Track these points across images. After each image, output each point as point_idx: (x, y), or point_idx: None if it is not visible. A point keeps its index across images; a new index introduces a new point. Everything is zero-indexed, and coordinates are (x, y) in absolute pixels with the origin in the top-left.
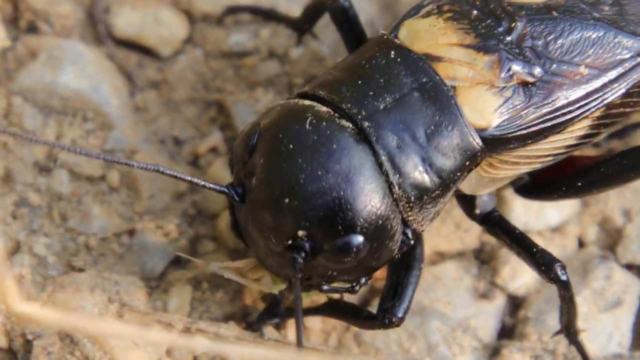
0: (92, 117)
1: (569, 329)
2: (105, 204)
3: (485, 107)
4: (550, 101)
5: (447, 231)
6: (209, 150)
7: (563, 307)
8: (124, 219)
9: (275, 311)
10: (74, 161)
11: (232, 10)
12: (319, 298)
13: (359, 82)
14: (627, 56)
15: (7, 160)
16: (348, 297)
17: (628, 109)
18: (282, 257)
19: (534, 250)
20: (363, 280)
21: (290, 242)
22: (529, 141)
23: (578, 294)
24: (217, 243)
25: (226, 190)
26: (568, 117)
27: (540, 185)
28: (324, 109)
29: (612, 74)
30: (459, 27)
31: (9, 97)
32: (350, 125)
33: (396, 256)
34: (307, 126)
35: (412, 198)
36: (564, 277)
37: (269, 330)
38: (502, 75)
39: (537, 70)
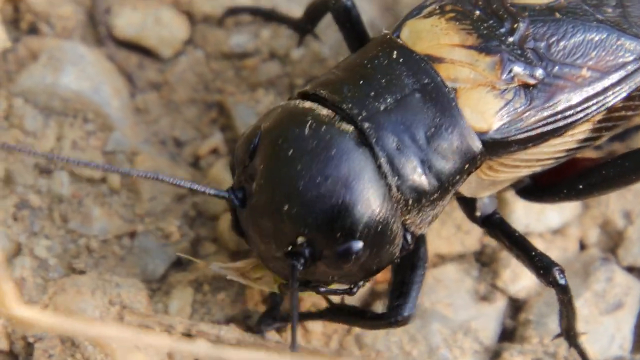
0: (92, 119)
1: (568, 332)
2: (106, 206)
3: (486, 109)
4: (551, 104)
5: (447, 233)
6: (210, 151)
7: (562, 310)
8: (125, 221)
9: (275, 314)
10: None
11: (233, 11)
12: (321, 301)
13: (361, 81)
14: (630, 59)
15: (7, 162)
16: (348, 299)
17: (630, 112)
18: (282, 262)
19: (533, 253)
20: (361, 282)
21: (290, 248)
22: (530, 144)
23: (579, 296)
24: (218, 245)
25: (227, 195)
26: (569, 120)
27: (541, 187)
28: (325, 111)
29: (614, 77)
30: (461, 28)
31: (9, 98)
32: (351, 128)
33: (396, 260)
34: (307, 131)
35: (411, 201)
36: (562, 281)
37: (270, 333)
38: (504, 76)
39: (539, 72)
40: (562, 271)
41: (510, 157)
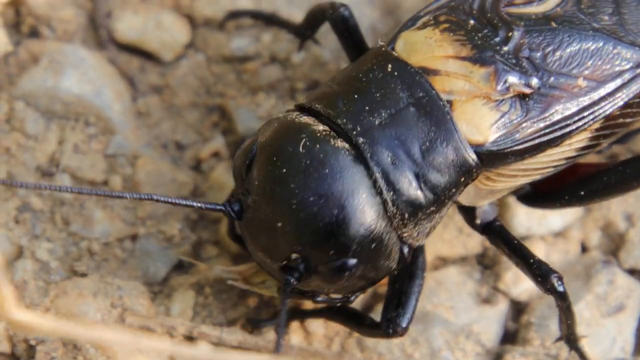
0: (94, 122)
1: (569, 337)
2: (107, 209)
3: (482, 122)
4: (547, 115)
5: (449, 236)
6: (211, 155)
7: (562, 316)
8: (127, 223)
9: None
10: (77, 165)
11: (234, 15)
12: None
13: (355, 96)
14: (627, 67)
15: (9, 164)
16: None
17: (628, 119)
18: (278, 273)
19: (531, 261)
20: (358, 292)
21: (284, 262)
22: (527, 155)
23: (581, 298)
24: (219, 248)
25: (223, 208)
26: (566, 130)
27: (542, 194)
28: (320, 127)
29: (611, 86)
30: (455, 39)
31: (11, 102)
32: (345, 145)
33: (394, 272)
34: (301, 149)
35: (407, 215)
36: (560, 288)
37: (271, 335)
38: (499, 87)
39: (534, 82)
40: (560, 278)
41: (507, 168)
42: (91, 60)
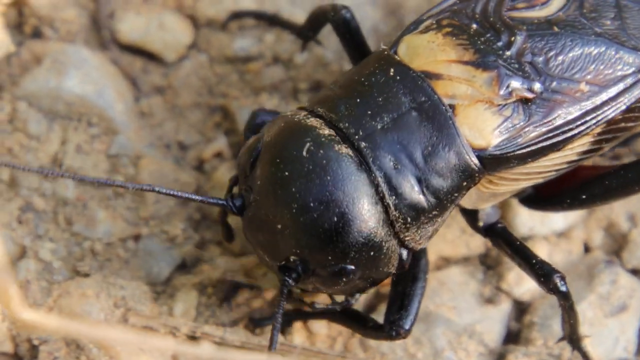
0: (96, 122)
1: (571, 337)
2: (110, 209)
3: (484, 126)
4: (550, 119)
5: (452, 236)
6: (214, 155)
7: (564, 316)
8: (129, 223)
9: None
10: (79, 166)
11: (237, 15)
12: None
13: (358, 99)
14: (629, 72)
15: None
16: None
17: (630, 124)
18: (277, 272)
19: (534, 261)
20: (358, 295)
21: (283, 262)
22: (529, 159)
23: (584, 298)
24: (222, 247)
25: (225, 203)
26: (568, 134)
27: (544, 197)
28: (326, 131)
29: (613, 91)
30: (458, 43)
31: (13, 102)
32: (348, 152)
33: (393, 277)
34: (305, 154)
35: (409, 219)
36: (563, 288)
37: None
38: (501, 92)
39: (537, 86)
40: (562, 278)
41: (509, 172)
42: (94, 60)
